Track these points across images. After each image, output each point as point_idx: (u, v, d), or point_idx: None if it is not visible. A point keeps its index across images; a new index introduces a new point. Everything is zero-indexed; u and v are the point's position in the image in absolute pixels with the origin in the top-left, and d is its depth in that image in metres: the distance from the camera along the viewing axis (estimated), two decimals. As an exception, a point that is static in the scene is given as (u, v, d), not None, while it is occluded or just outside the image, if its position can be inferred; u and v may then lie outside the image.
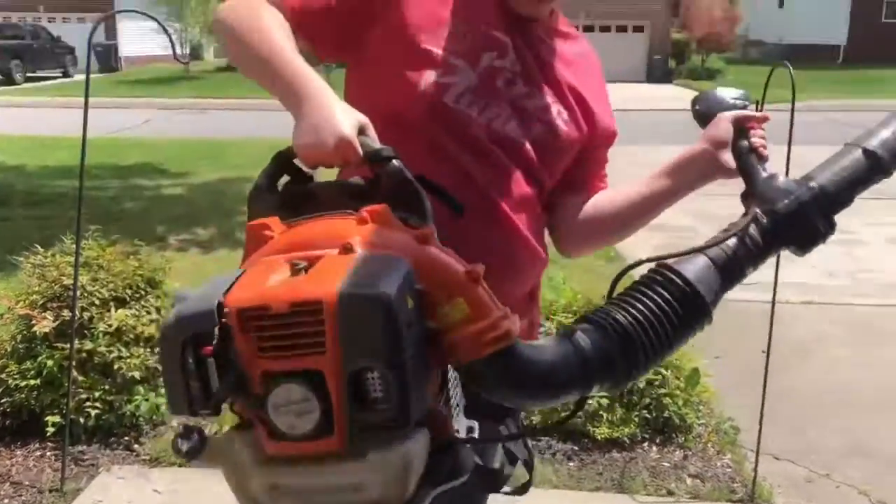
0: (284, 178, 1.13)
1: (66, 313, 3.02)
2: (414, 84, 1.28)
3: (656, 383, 3.14)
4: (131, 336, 3.11)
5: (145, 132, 13.65)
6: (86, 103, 2.33)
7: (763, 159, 1.31)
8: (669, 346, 1.02)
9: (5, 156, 10.38)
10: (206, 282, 0.93)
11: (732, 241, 1.09)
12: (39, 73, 25.33)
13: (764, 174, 1.25)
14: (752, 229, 1.10)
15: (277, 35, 1.23)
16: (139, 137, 12.67)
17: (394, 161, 1.08)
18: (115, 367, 3.03)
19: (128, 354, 3.07)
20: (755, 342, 4.15)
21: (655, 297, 1.03)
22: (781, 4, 33.24)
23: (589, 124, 1.41)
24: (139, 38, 28.42)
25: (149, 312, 3.21)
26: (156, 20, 2.45)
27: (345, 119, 1.09)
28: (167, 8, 23.94)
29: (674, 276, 1.04)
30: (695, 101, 1.44)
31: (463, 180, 1.27)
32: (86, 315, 3.07)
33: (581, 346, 0.98)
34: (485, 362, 0.93)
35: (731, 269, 1.08)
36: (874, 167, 1.13)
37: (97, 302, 3.12)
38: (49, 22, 28.85)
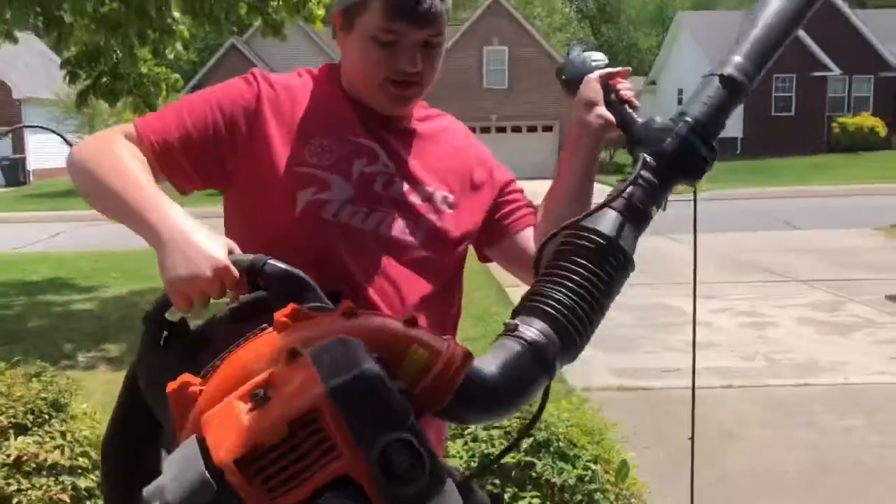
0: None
1: (-41, 445, 2.80)
2: (290, 206, 1.27)
3: (586, 479, 3.09)
4: (33, 465, 2.90)
5: (54, 246, 13.24)
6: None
7: (635, 108, 1.37)
8: (606, 301, 1.11)
9: None
10: (168, 465, 0.88)
11: (632, 189, 1.16)
12: (-58, 190, 24.51)
13: (640, 120, 1.32)
14: (646, 172, 1.17)
15: (131, 166, 1.21)
16: (48, 252, 12.26)
17: (269, 262, 1.08)
18: (15, 501, 2.80)
19: (28, 485, 2.85)
20: (681, 429, 4.17)
21: (582, 260, 1.07)
22: (680, 102, 35.23)
23: (484, 188, 1.44)
24: (48, 152, 27.88)
25: (53, 438, 3.01)
26: (60, 136, 2.39)
27: (213, 245, 1.08)
28: (78, 120, 23.72)
29: (593, 236, 1.09)
30: (560, 72, 1.47)
31: (356, 293, 1.25)
32: (-18, 445, 2.85)
33: (530, 338, 1.01)
34: (453, 398, 0.94)
35: (639, 214, 1.16)
36: (735, 90, 1.21)
37: (-5, 430, 2.91)
38: (-47, 138, 28.14)
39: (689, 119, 1.18)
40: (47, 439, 2.99)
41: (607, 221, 1.11)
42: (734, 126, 29.91)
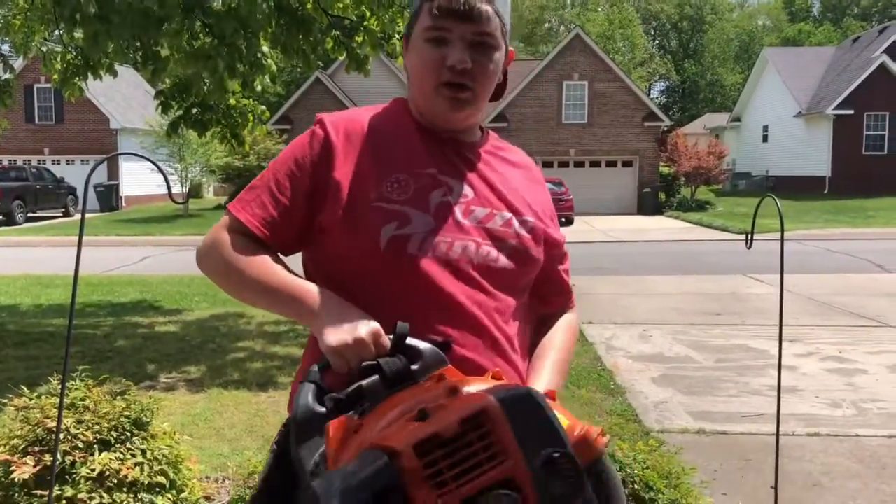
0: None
1: (47, 458, 2.91)
2: (375, 243, 1.31)
3: (663, 524, 3.00)
4: (114, 481, 2.98)
5: (142, 269, 13.74)
6: (79, 242, 2.33)
7: None
8: None
9: (1, 296, 10.38)
10: (333, 475, 0.94)
11: None
12: (40, 213, 25.81)
13: None
14: None
15: (270, 266, 1.35)
16: (136, 275, 12.73)
17: (412, 340, 1.19)
18: (96, 514, 2.89)
19: (110, 501, 2.93)
20: (762, 476, 4.01)
21: None
22: (766, 139, 34.48)
23: (542, 231, 1.47)
24: (140, 178, 29.19)
25: (133, 455, 3.09)
26: (153, 162, 2.49)
27: (364, 314, 1.25)
28: (168, 149, 24.70)
29: None
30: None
31: (455, 316, 1.31)
32: (68, 459, 2.95)
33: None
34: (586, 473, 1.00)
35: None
36: None
37: (81, 445, 3.01)
38: (54, 164, 29.69)
39: None
40: (128, 456, 3.08)
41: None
42: (821, 165, 29.04)
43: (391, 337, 1.20)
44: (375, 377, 1.15)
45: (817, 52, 37.29)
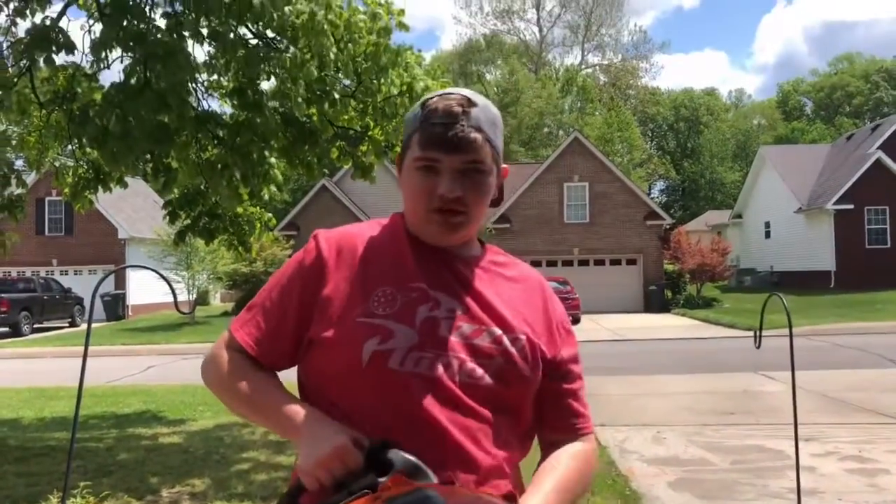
0: None
1: (44, 581, 2.80)
2: (357, 357, 1.31)
3: None
4: None
5: (146, 378, 13.63)
6: (85, 354, 2.32)
7: None
8: None
9: (3, 409, 10.28)
10: None
11: None
12: (47, 324, 25.83)
13: None
14: None
15: (262, 385, 1.40)
16: (139, 385, 12.62)
17: (392, 450, 1.19)
18: None
19: None
20: (789, 587, 3.83)
21: None
22: (768, 235, 34.74)
23: (537, 349, 1.40)
24: (147, 287, 29.31)
25: (133, 576, 2.99)
26: (159, 273, 2.51)
27: (337, 431, 1.26)
28: (176, 258, 24.93)
29: None
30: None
31: (437, 437, 1.27)
32: (65, 582, 2.85)
33: None
34: None
35: None
36: None
37: (79, 566, 2.91)
38: (62, 274, 29.94)
39: None
40: (128, 578, 2.97)
41: None
42: (826, 259, 29.12)
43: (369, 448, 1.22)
44: (342, 494, 1.16)
45: (813, 149, 38.02)
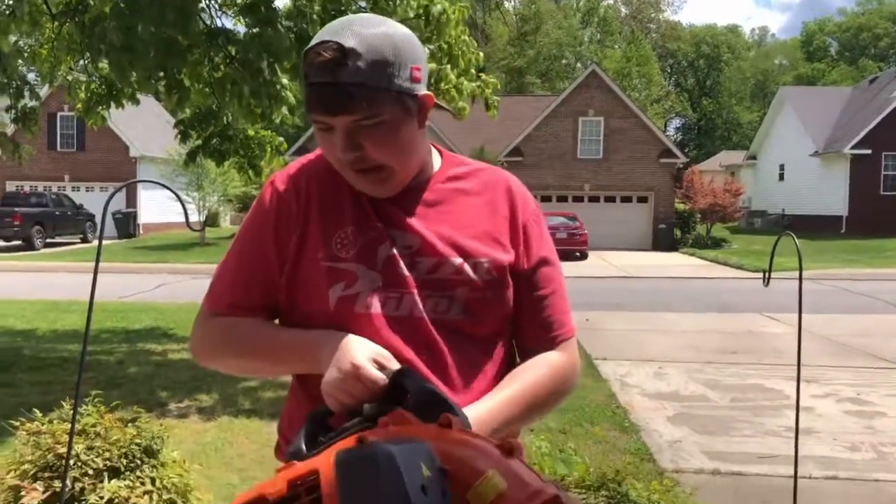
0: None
1: (56, 484, 2.90)
2: (325, 303, 1.30)
3: (677, 566, 2.94)
4: (123, 509, 2.96)
5: (157, 296, 13.81)
6: (96, 267, 2.35)
7: None
8: None
9: (17, 320, 10.45)
10: None
11: None
12: (59, 239, 26.06)
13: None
14: None
15: (261, 331, 1.35)
16: (150, 302, 12.79)
17: (408, 374, 1.15)
18: (103, 543, 2.87)
19: (118, 529, 2.91)
20: (779, 520, 3.93)
21: None
22: (782, 177, 34.40)
23: (500, 267, 1.35)
24: (158, 206, 29.43)
25: (143, 483, 3.08)
26: (170, 189, 2.51)
27: (355, 349, 1.21)
28: (187, 178, 24.94)
29: None
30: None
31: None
32: (77, 486, 2.94)
33: None
34: None
35: None
36: None
37: (90, 472, 3.00)
38: (74, 191, 30.04)
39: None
40: (137, 484, 3.06)
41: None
42: (838, 204, 28.90)
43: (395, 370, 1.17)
44: (358, 419, 1.11)
45: (834, 91, 37.30)
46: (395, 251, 1.31)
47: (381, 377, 1.16)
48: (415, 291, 1.30)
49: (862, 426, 5.76)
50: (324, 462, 0.85)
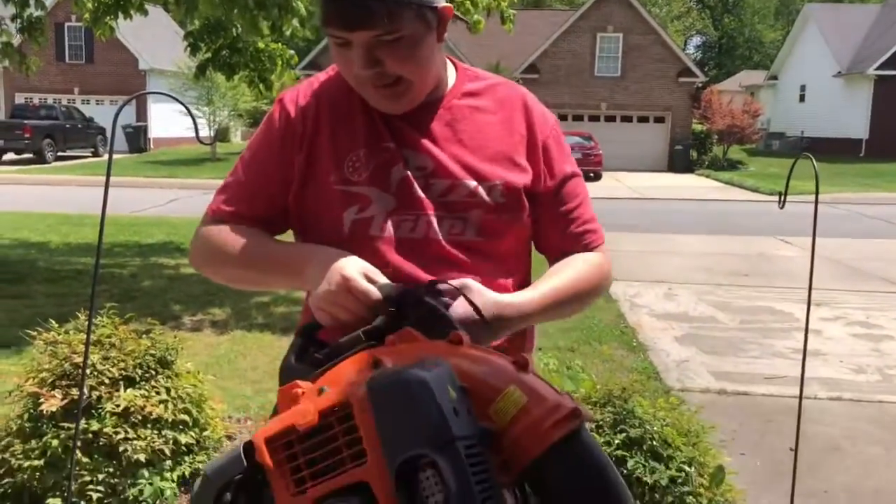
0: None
1: (74, 392, 2.96)
2: (339, 227, 1.29)
3: (679, 480, 3.00)
4: (139, 417, 3.03)
5: (169, 211, 13.86)
6: (107, 180, 2.33)
7: None
8: None
9: (31, 233, 10.54)
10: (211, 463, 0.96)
11: None
12: (70, 153, 26.03)
13: None
14: None
15: (262, 238, 1.33)
16: (163, 216, 12.85)
17: (407, 290, 1.11)
18: (121, 448, 2.95)
19: (134, 436, 2.99)
20: (782, 438, 4.00)
21: None
22: (803, 99, 33.71)
23: (514, 189, 1.34)
24: (168, 121, 29.27)
25: (158, 393, 3.14)
26: (181, 102, 2.46)
27: (345, 263, 1.18)
28: (197, 92, 24.68)
29: None
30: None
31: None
32: (94, 394, 3.01)
33: None
34: (556, 455, 0.85)
35: None
36: None
37: (106, 381, 3.06)
38: (83, 104, 29.84)
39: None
40: (153, 394, 3.13)
41: None
42: (858, 127, 28.39)
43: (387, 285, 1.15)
44: (356, 333, 1.09)
45: (861, 9, 36.15)
46: (408, 172, 1.29)
47: (372, 290, 1.14)
48: (430, 213, 1.29)
49: (869, 349, 5.80)
50: (351, 390, 0.83)
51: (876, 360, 5.50)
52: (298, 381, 0.98)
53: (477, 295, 1.17)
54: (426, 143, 1.32)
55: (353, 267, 1.18)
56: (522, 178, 1.34)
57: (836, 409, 4.52)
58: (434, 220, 1.28)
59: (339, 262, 1.18)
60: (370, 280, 1.16)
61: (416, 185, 1.29)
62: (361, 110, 1.32)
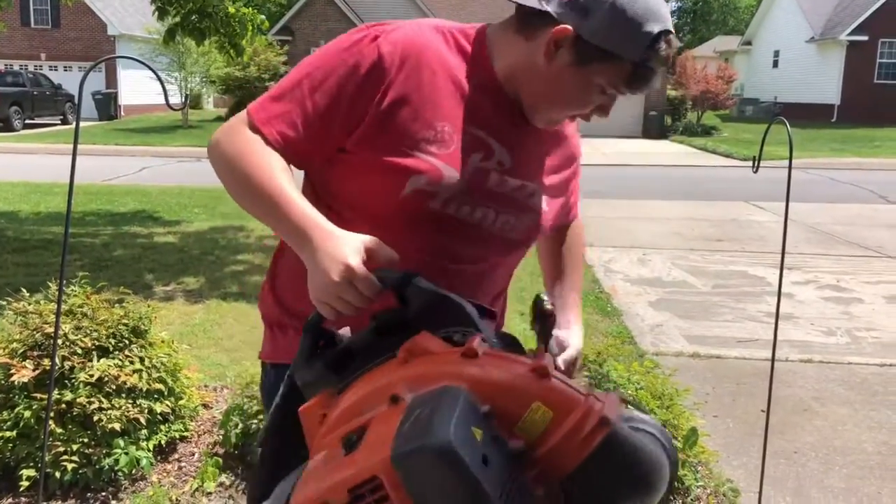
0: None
1: (46, 362, 2.93)
2: (398, 188, 1.23)
3: (653, 443, 3.05)
4: (113, 387, 3.01)
5: (141, 179, 13.67)
6: (74, 147, 2.29)
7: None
8: None
9: (0, 202, 10.35)
10: (279, 486, 0.95)
11: None
12: (38, 121, 25.51)
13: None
14: None
15: (280, 177, 1.22)
16: (135, 185, 12.67)
17: (415, 280, 1.07)
18: (95, 418, 2.93)
19: (108, 406, 2.97)
20: (754, 400, 4.07)
21: None
22: (776, 65, 33.82)
23: (571, 179, 1.52)
24: (139, 87, 28.73)
25: (132, 362, 3.12)
26: (149, 67, 2.41)
27: (345, 251, 1.10)
28: (168, 58, 24.23)
29: None
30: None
31: (455, 277, 1.29)
32: (67, 364, 2.97)
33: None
34: (596, 461, 0.84)
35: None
36: None
37: (79, 351, 3.03)
38: (51, 70, 29.18)
39: None
40: (127, 363, 3.10)
41: None
42: (831, 92, 28.57)
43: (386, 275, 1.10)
44: (368, 331, 1.07)
45: (835, -26, 36.18)
46: (487, 165, 1.29)
47: (374, 281, 1.09)
48: (492, 206, 1.31)
49: (839, 312, 5.89)
50: (376, 461, 0.80)
51: (846, 323, 5.59)
52: (318, 402, 0.99)
53: (576, 352, 1.42)
54: (516, 140, 1.33)
55: (352, 249, 1.11)
56: (561, 203, 1.49)
57: (807, 370, 4.60)
58: (490, 213, 1.31)
59: (337, 247, 1.11)
60: (370, 256, 1.12)
61: (491, 177, 1.30)
62: (471, 89, 1.28)
